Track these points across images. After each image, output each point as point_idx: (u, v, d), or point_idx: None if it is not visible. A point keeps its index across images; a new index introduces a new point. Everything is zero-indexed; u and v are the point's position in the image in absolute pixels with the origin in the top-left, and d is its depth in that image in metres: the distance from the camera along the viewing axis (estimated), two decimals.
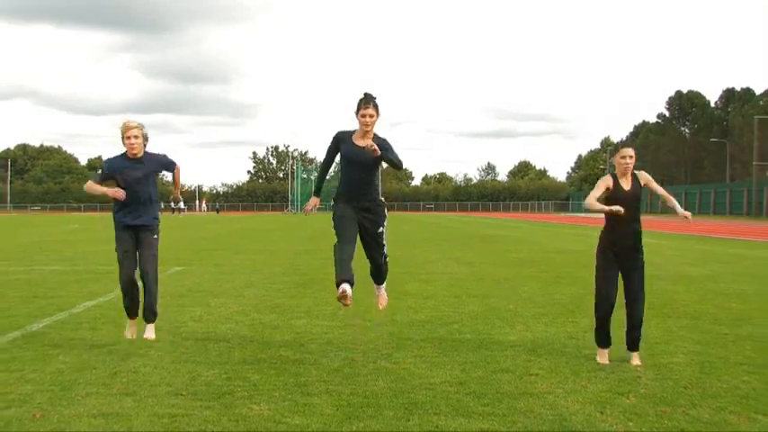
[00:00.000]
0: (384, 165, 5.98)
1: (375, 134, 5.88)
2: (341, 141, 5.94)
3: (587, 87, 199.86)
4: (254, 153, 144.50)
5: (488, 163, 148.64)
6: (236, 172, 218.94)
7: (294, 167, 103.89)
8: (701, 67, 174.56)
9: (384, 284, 6.42)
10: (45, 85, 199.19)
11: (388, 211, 6.14)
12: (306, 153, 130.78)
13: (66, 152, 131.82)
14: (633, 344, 5.77)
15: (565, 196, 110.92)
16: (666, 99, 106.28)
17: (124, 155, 6.27)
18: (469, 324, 7.36)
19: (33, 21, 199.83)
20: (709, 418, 4.28)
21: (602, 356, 5.81)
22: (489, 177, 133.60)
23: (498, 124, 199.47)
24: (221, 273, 12.42)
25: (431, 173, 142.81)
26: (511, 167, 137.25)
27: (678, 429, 4.09)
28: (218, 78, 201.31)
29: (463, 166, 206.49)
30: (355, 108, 5.85)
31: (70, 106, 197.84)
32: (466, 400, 4.63)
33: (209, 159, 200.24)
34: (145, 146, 6.30)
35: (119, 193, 6.11)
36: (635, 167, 5.79)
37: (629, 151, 5.74)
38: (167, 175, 6.84)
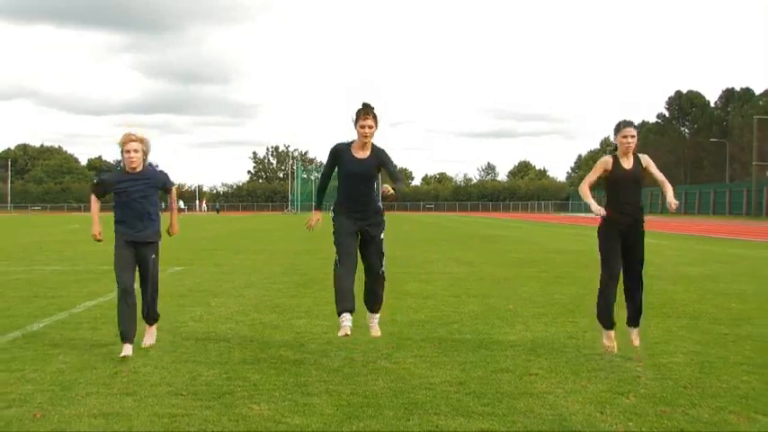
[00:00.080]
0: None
1: (373, 144, 5.76)
2: (339, 154, 5.77)
3: (587, 87, 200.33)
4: (255, 153, 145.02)
5: (488, 163, 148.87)
6: (237, 172, 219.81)
7: (294, 167, 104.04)
8: (700, 67, 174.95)
9: (378, 315, 6.12)
10: (45, 86, 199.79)
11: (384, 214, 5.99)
12: (306, 153, 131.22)
13: (66, 152, 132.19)
14: (635, 314, 5.75)
15: (565, 196, 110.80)
16: (666, 99, 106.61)
17: (122, 170, 5.99)
18: (469, 324, 7.36)
19: (34, 21, 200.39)
20: (709, 417, 4.29)
21: (609, 338, 5.77)
22: (489, 177, 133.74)
23: (498, 124, 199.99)
24: (221, 273, 12.43)
25: (431, 173, 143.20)
26: (511, 167, 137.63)
27: (678, 429, 4.09)
28: (219, 78, 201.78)
29: (463, 166, 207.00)
30: (354, 118, 5.67)
31: (70, 106, 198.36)
32: (466, 399, 4.63)
33: (209, 159, 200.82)
34: (145, 160, 5.98)
35: (96, 236, 6.15)
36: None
37: (632, 131, 5.69)
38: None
